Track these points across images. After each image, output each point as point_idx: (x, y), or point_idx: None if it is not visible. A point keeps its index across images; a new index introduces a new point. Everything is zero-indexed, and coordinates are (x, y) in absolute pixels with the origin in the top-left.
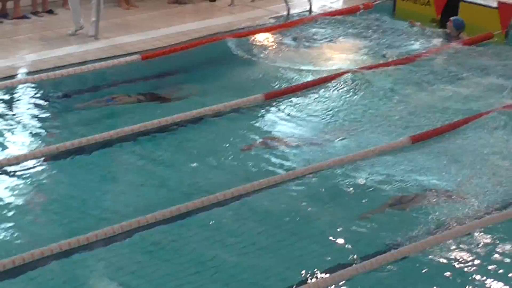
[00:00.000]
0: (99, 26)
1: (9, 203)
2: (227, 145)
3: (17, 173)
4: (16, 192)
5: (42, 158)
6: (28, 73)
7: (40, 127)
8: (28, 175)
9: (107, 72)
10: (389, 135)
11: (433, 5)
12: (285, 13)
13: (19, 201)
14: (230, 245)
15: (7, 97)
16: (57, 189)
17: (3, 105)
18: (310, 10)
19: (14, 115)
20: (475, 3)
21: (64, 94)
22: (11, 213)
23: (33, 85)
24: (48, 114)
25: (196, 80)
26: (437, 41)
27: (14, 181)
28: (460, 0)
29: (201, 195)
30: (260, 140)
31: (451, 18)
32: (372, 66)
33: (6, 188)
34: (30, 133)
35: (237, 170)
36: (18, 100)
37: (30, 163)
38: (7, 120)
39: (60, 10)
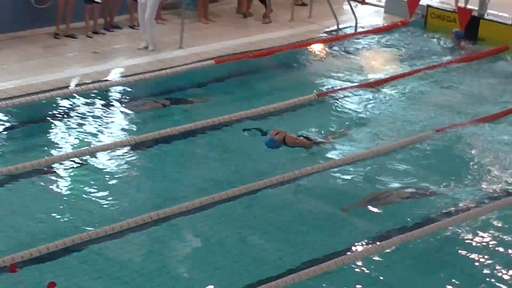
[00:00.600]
0: (183, 36)
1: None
2: None
3: (111, 158)
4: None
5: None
6: (124, 76)
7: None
8: (119, 160)
9: (189, 74)
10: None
11: (458, 22)
12: (335, 28)
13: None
14: None
15: (103, 97)
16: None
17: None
18: (356, 26)
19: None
20: (493, 21)
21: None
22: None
23: (128, 85)
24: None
25: (261, 81)
26: (459, 53)
27: (115, 163)
28: (480, 18)
29: None
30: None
31: (453, 31)
32: (406, 73)
33: (116, 165)
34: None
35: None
36: (111, 99)
37: (120, 151)
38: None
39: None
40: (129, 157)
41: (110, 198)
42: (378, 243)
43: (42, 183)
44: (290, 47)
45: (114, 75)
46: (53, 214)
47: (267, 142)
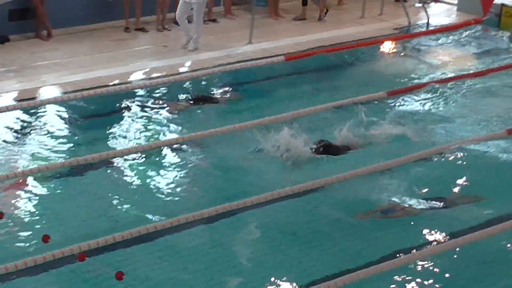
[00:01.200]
0: (253, 33)
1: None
2: None
3: (176, 153)
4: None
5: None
6: (192, 70)
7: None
8: (184, 154)
9: (258, 70)
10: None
11: None
12: (406, 25)
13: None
14: None
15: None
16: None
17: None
18: (428, 24)
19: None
20: None
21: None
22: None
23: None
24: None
25: (330, 78)
26: None
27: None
28: None
29: None
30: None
31: None
32: (478, 72)
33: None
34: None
35: None
36: (179, 93)
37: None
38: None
39: (221, 19)
40: (193, 152)
41: (175, 192)
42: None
43: (108, 176)
44: (360, 44)
45: (183, 69)
46: (119, 206)
47: None
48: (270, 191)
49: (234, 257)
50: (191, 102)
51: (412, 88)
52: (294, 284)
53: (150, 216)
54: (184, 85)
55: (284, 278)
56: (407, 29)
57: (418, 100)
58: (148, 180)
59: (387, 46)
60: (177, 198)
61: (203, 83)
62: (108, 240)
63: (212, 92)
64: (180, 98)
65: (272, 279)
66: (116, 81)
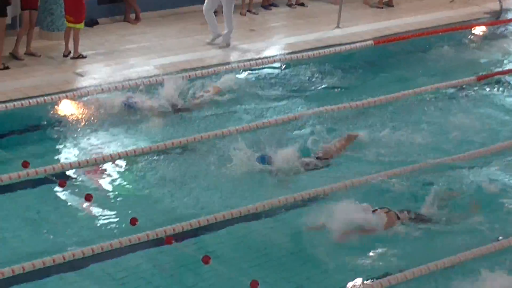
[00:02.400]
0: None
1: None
2: None
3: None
4: None
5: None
6: (280, 54)
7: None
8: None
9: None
10: None
11: None
12: (498, 10)
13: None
14: None
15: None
16: None
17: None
18: None
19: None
20: None
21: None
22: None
23: (283, 63)
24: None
25: (418, 62)
26: None
27: None
28: None
29: None
30: None
31: None
32: None
33: None
34: None
35: None
36: (266, 77)
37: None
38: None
39: (310, 3)
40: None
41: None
42: None
43: (188, 160)
44: (450, 29)
45: (270, 52)
46: (204, 191)
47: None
48: None
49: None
50: None
51: (502, 73)
52: None
53: (232, 201)
54: (272, 70)
55: None
56: (498, 14)
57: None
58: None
59: (477, 32)
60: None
61: (291, 67)
62: (193, 224)
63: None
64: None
65: None
66: (202, 64)
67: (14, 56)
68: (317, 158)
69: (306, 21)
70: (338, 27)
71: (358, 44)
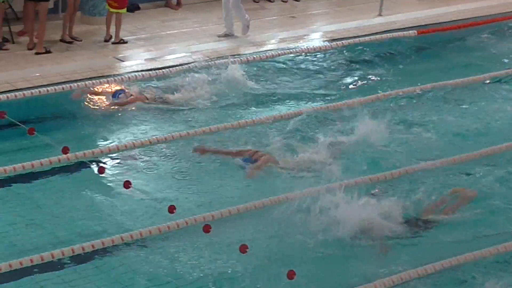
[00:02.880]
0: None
1: None
2: None
3: None
4: None
5: None
6: (320, 41)
7: None
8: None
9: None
10: None
11: None
12: None
13: None
14: None
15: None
16: None
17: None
18: None
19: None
20: None
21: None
22: None
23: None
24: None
25: (459, 53)
26: None
27: None
28: None
29: None
30: None
31: None
32: None
33: None
34: None
35: None
36: (306, 65)
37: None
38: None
39: None
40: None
41: None
42: None
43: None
44: (500, 19)
45: (310, 40)
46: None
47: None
48: None
49: None
50: None
51: None
52: None
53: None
54: (311, 58)
55: None
56: None
57: None
58: None
59: None
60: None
61: (329, 55)
62: (232, 211)
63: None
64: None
65: None
66: (244, 52)
67: (63, 41)
68: None
69: (348, 8)
70: (380, 15)
71: (400, 33)
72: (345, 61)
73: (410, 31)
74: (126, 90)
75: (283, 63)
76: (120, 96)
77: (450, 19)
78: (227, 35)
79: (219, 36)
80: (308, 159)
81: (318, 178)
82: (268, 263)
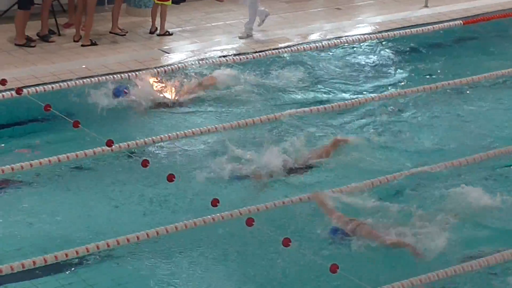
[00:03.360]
0: None
1: None
2: None
3: None
4: None
5: None
6: (366, 33)
7: None
8: None
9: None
10: None
11: None
12: None
13: None
14: None
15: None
16: None
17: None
18: None
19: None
20: None
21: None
22: None
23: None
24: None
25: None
26: None
27: None
28: None
29: None
30: None
31: None
32: None
33: None
34: None
35: None
36: (353, 55)
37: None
38: None
39: None
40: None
41: None
42: None
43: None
44: None
45: (356, 31)
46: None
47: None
48: None
49: None
50: None
51: None
52: None
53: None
54: (357, 49)
55: None
56: None
57: None
58: None
59: None
60: None
61: (374, 47)
62: (278, 204)
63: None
64: None
65: None
66: (288, 43)
67: (113, 33)
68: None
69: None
70: (426, 6)
71: (446, 24)
72: (391, 53)
73: (456, 21)
74: (126, 90)
75: (329, 54)
76: (122, 93)
77: (496, 9)
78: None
79: (240, 38)
80: None
81: None
82: None
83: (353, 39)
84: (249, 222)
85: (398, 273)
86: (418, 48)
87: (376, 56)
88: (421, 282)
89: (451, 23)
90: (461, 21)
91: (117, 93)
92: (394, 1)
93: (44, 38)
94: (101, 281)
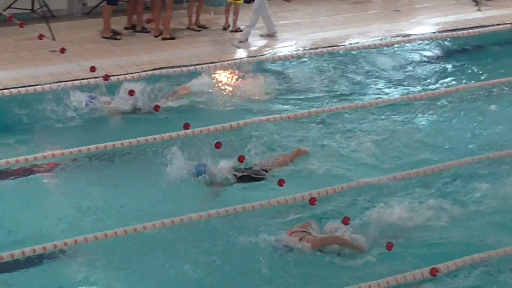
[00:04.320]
0: None
1: None
2: None
3: None
4: None
5: None
6: (420, 34)
7: None
8: None
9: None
10: None
11: None
12: None
13: None
14: None
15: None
16: None
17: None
18: None
19: None
20: None
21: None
22: None
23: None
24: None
25: None
26: None
27: None
28: None
29: None
30: None
31: None
32: None
33: None
34: None
35: None
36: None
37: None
38: None
39: None
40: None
41: None
42: None
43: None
44: None
45: (413, 31)
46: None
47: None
48: None
49: None
50: None
51: None
52: None
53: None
54: (414, 49)
55: None
56: None
57: None
58: None
59: None
60: None
61: (426, 47)
62: (337, 189)
63: None
64: None
65: None
66: (349, 41)
67: (191, 29)
68: (251, 169)
69: (449, 3)
70: (479, 10)
71: (496, 27)
72: (443, 53)
73: (505, 25)
74: (97, 97)
75: (387, 53)
76: (91, 102)
77: None
78: (269, 35)
79: (261, 36)
80: None
81: None
82: None
83: (409, 39)
84: (312, 201)
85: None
86: (468, 49)
87: (429, 55)
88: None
89: (500, 26)
90: (510, 24)
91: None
92: (449, 4)
93: (142, 30)
94: None
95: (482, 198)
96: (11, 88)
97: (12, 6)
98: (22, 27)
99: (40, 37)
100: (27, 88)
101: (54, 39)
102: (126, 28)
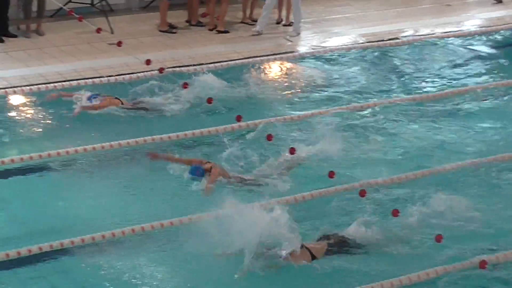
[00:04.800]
0: None
1: None
2: None
3: None
4: None
5: None
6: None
7: None
8: None
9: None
10: None
11: None
12: None
13: None
14: None
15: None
16: None
17: None
18: None
19: None
20: None
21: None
22: None
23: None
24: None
25: None
26: None
27: None
28: None
29: None
30: None
31: None
32: None
33: None
34: None
35: None
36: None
37: None
38: None
39: None
40: None
41: None
42: None
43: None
44: None
45: (462, 27)
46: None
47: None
48: None
49: None
50: None
51: None
52: None
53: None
54: (464, 43)
55: None
56: None
57: None
58: None
59: None
60: None
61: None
62: (386, 182)
63: None
64: None
65: None
66: (396, 36)
67: (244, 23)
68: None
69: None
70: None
71: None
72: (495, 47)
73: None
74: (99, 95)
75: (436, 47)
76: (94, 98)
77: None
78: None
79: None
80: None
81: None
82: None
83: (454, 34)
84: (362, 193)
85: None
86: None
87: (478, 50)
88: None
89: None
90: None
91: (90, 97)
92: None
93: (197, 24)
94: None
95: None
96: (70, 80)
97: (72, 0)
98: (80, 21)
99: (98, 30)
100: (86, 80)
101: (112, 33)
102: (187, 21)
